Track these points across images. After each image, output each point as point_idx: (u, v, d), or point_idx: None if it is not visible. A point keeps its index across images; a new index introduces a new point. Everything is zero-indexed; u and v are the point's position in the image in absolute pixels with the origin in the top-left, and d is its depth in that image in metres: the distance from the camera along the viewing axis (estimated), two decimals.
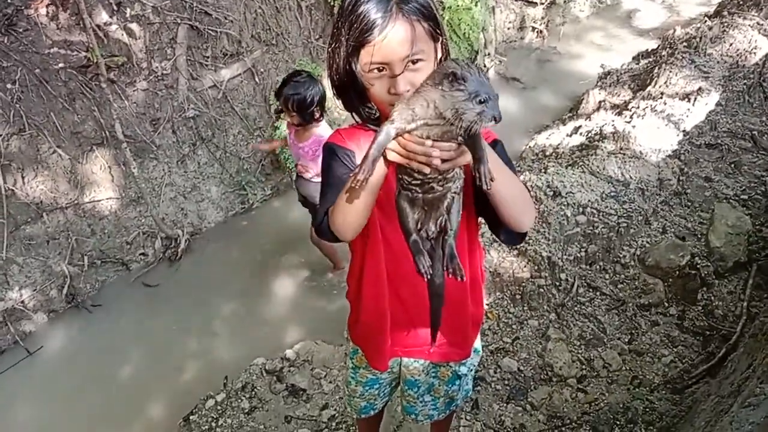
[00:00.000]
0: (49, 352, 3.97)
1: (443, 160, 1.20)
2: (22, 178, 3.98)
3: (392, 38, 1.34)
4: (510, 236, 1.52)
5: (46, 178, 4.06)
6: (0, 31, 3.91)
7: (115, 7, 4.26)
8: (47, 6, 4.04)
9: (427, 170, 1.22)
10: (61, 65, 4.06)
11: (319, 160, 3.45)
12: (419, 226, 1.39)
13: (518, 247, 3.55)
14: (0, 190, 3.85)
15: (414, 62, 1.37)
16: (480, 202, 1.44)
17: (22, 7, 3.97)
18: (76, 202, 4.22)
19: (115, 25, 4.25)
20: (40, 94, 4.00)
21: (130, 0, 4.33)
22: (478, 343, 1.93)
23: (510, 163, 1.52)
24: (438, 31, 1.42)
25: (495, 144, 1.52)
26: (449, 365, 1.86)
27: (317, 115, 3.51)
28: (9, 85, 3.87)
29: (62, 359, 3.93)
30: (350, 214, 1.38)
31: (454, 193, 1.35)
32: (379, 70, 1.39)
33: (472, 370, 1.94)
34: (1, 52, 3.86)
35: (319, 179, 3.60)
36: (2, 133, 3.84)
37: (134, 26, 4.34)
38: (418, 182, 1.31)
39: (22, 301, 4.00)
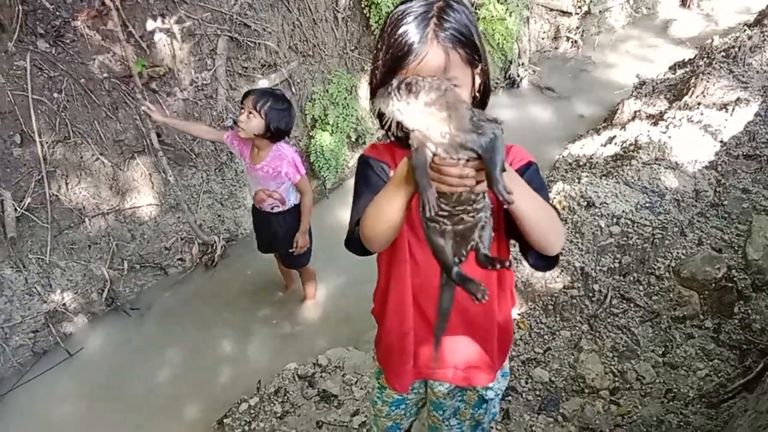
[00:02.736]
0: (88, 353, 4.08)
1: (477, 181, 1.20)
2: (66, 184, 4.11)
3: (425, 64, 1.34)
4: (538, 261, 1.50)
5: (89, 184, 4.19)
6: (48, 43, 4.06)
7: (158, 19, 4.39)
8: (93, 18, 4.18)
9: (459, 190, 1.22)
10: (105, 75, 4.20)
11: (284, 179, 3.47)
12: (454, 256, 1.36)
13: None
14: (45, 196, 3.98)
15: None
16: (510, 224, 1.42)
17: (70, 19, 4.11)
18: (117, 208, 4.34)
19: (158, 36, 4.38)
20: (84, 103, 4.14)
21: (173, 12, 4.45)
22: (506, 367, 1.89)
23: (543, 186, 1.51)
24: (476, 58, 1.41)
25: (529, 166, 1.51)
26: (475, 389, 1.81)
27: (281, 138, 3.41)
28: (56, 95, 4.01)
29: (101, 361, 4.04)
30: (381, 226, 1.39)
31: (485, 222, 1.33)
32: None
33: (499, 394, 1.89)
34: (49, 63, 4.00)
35: (296, 202, 3.64)
36: (48, 140, 3.97)
37: (176, 38, 4.46)
38: (446, 213, 1.29)
39: (64, 304, 4.12)
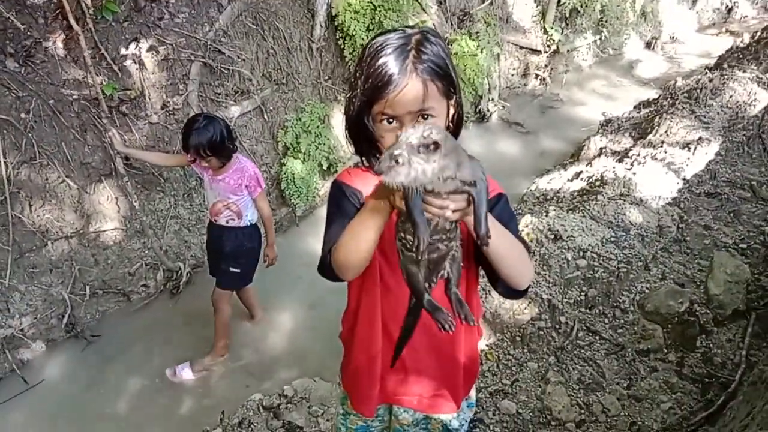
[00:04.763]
0: (46, 381, 3.95)
1: (453, 212, 1.23)
2: (30, 206, 4.02)
3: (404, 95, 1.37)
4: (507, 291, 1.53)
5: (53, 206, 4.11)
6: (18, 62, 4.01)
7: (132, 43, 4.37)
8: (64, 40, 4.15)
9: (436, 220, 1.26)
10: (74, 97, 4.16)
11: (243, 192, 3.51)
12: (426, 284, 1.40)
13: None
14: (7, 217, 3.88)
15: (425, 117, 1.40)
16: (480, 255, 1.45)
17: (41, 40, 4.08)
18: (81, 231, 4.26)
19: (130, 59, 4.36)
20: (52, 125, 4.08)
21: (146, 36, 4.45)
22: (472, 397, 1.89)
23: (513, 218, 1.55)
24: (452, 90, 1.45)
25: (499, 198, 1.54)
26: (440, 419, 1.81)
27: (231, 147, 3.43)
28: (23, 115, 3.95)
29: (58, 389, 3.91)
30: (354, 254, 1.40)
31: (455, 251, 1.39)
32: (389, 122, 1.42)
33: (464, 425, 1.88)
34: (17, 82, 3.95)
35: (251, 221, 3.65)
36: (13, 161, 3.90)
37: (149, 61, 4.45)
38: None
39: (22, 329, 4.00)
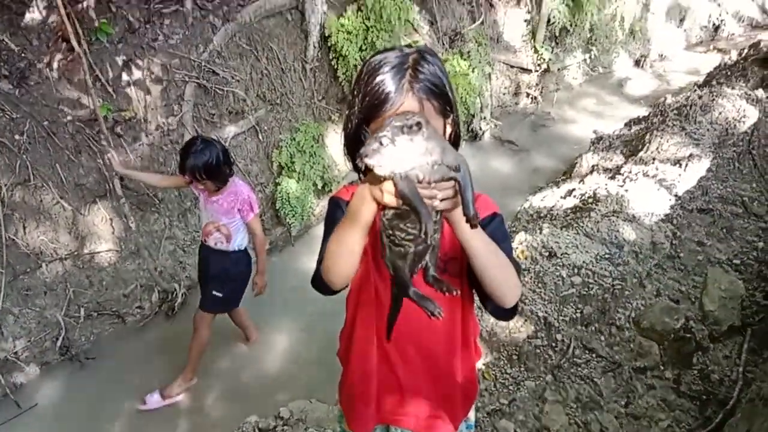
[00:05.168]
0: (40, 405, 3.91)
1: (441, 200, 1.26)
2: (24, 228, 4.01)
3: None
4: (495, 310, 1.54)
5: (47, 228, 4.09)
6: (12, 84, 4.02)
7: (126, 64, 4.39)
8: (59, 61, 4.16)
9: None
10: (69, 118, 4.16)
11: (235, 216, 3.51)
12: (409, 274, 1.43)
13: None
14: (1, 240, 3.87)
15: None
16: (473, 275, 1.47)
17: (35, 61, 4.09)
18: (75, 253, 4.24)
19: (125, 80, 4.38)
20: (47, 146, 4.08)
21: (141, 57, 4.47)
22: (471, 418, 1.88)
23: (506, 238, 1.56)
24: (448, 108, 1.46)
25: (494, 217, 1.56)
26: None
27: (228, 171, 3.45)
28: (17, 136, 3.95)
29: (53, 413, 3.87)
30: (340, 259, 1.41)
31: (436, 243, 1.41)
32: None
33: None
34: (11, 104, 3.96)
35: (239, 246, 3.63)
36: (7, 183, 3.89)
37: (143, 83, 4.46)
38: (412, 237, 1.33)
39: (15, 353, 3.97)
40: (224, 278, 3.68)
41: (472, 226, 1.29)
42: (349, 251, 1.39)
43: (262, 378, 4.12)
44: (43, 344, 4.09)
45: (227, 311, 3.96)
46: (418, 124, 1.21)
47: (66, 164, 4.16)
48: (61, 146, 4.13)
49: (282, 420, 3.27)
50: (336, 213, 1.59)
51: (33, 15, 4.13)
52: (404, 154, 1.21)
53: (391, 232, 1.36)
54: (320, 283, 1.50)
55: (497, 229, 1.53)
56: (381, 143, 1.21)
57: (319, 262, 1.50)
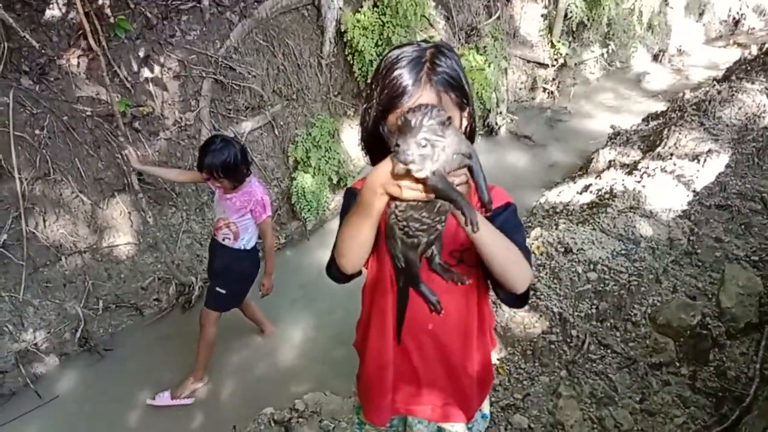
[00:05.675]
0: (60, 395, 3.97)
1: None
2: (44, 221, 4.07)
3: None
4: (507, 297, 1.56)
5: (67, 222, 4.15)
6: (32, 80, 4.08)
7: (144, 60, 4.44)
8: (78, 57, 4.22)
9: (440, 202, 1.30)
10: (88, 113, 4.21)
11: (246, 215, 3.53)
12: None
13: (530, 302, 3.56)
14: (22, 233, 3.93)
15: None
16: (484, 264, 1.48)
17: (55, 57, 4.15)
18: (94, 246, 4.30)
19: (143, 76, 4.42)
20: (66, 141, 4.14)
21: (159, 53, 4.51)
22: (486, 408, 1.90)
23: (518, 227, 1.57)
24: (465, 101, 1.48)
25: (507, 206, 1.57)
26: (454, 429, 1.81)
27: (245, 170, 3.47)
28: (37, 131, 4.01)
29: (71, 402, 3.93)
30: (351, 249, 1.45)
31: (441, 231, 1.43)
32: None
33: None
34: (32, 100, 4.01)
35: (245, 246, 3.64)
36: (28, 177, 3.95)
37: (161, 78, 4.51)
38: (425, 227, 1.36)
39: (35, 344, 4.03)
40: (227, 275, 3.71)
41: (487, 212, 1.33)
42: (359, 243, 1.43)
43: (277, 371, 4.16)
44: (63, 336, 4.16)
45: (230, 309, 3.97)
46: (449, 118, 1.23)
47: (85, 159, 4.22)
48: (80, 141, 4.18)
49: (297, 412, 3.30)
50: (352, 204, 1.61)
51: (53, 12, 4.18)
52: (442, 153, 1.22)
53: (405, 224, 1.37)
54: (334, 270, 1.54)
55: (508, 219, 1.55)
56: (422, 147, 1.19)
57: (334, 249, 1.53)
